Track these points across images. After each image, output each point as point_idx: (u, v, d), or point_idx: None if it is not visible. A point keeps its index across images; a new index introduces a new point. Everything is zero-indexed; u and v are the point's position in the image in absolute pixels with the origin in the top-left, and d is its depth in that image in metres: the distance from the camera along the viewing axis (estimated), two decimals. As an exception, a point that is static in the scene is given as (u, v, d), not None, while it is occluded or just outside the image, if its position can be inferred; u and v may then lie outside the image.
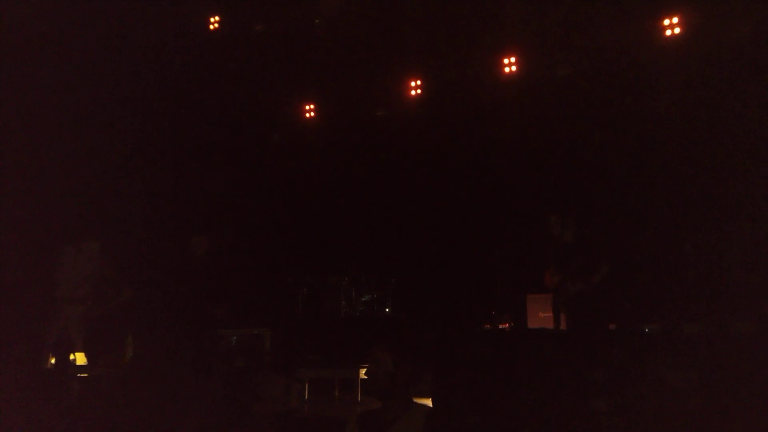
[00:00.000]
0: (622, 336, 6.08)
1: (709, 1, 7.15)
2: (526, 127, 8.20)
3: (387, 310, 8.57)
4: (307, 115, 9.53)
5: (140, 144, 9.19)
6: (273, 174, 9.60)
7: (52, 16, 8.40)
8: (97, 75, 8.64)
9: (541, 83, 8.24)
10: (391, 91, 9.09)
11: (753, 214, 6.58)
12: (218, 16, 9.36)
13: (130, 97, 8.91)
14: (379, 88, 9.10)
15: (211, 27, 9.34)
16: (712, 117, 7.06)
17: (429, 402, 3.71)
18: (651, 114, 7.48)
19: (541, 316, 7.41)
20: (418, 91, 8.90)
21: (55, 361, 6.78)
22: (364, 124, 9.27)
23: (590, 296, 5.74)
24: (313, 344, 6.37)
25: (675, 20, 7.34)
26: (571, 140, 7.95)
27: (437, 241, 8.63)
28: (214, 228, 8.21)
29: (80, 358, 7.60)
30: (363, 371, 4.94)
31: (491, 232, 8.37)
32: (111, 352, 7.40)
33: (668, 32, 7.38)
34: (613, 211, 7.33)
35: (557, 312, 6.52)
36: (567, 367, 3.86)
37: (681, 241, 7.10)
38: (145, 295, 7.90)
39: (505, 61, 8.35)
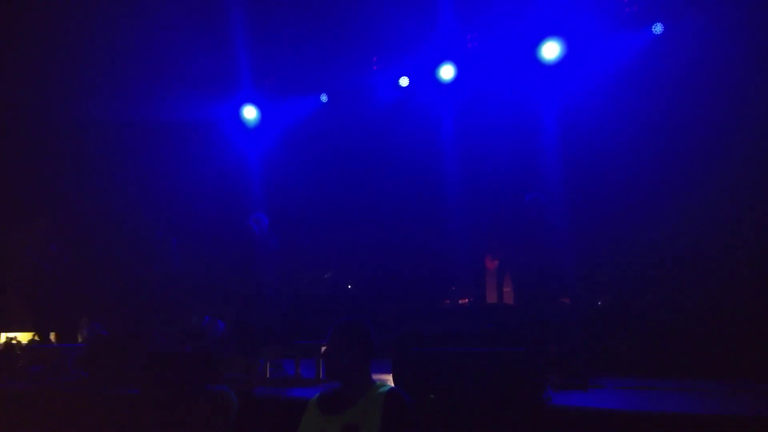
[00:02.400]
0: (575, 309, 6.29)
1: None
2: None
3: (349, 287, 8.64)
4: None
5: None
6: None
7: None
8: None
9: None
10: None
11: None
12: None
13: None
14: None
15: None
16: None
17: (390, 381, 3.80)
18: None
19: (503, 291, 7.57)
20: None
21: None
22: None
23: (534, 272, 5.88)
24: (274, 323, 6.37)
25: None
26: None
27: (397, 221, 8.70)
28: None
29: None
30: (323, 349, 4.98)
31: (447, 213, 8.52)
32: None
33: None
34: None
35: (500, 287, 6.85)
36: (522, 341, 3.96)
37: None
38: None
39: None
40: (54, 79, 8.54)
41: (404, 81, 8.89)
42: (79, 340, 6.74)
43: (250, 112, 9.36)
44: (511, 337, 3.84)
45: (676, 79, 7.14)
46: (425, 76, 8.77)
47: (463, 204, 8.50)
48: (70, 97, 8.61)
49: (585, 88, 7.81)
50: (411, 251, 8.57)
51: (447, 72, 8.51)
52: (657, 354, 5.78)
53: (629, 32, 7.66)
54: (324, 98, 9.27)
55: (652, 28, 7.43)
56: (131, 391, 4.51)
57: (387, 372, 3.93)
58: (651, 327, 6.15)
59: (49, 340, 7.35)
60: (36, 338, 7.47)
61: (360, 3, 8.38)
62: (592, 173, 7.68)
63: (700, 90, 7.00)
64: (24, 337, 8.07)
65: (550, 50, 7.90)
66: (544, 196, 6.36)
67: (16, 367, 5.83)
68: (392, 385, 2.83)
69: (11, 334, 8.20)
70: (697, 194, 6.90)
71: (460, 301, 7.86)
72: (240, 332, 5.70)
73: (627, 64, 7.58)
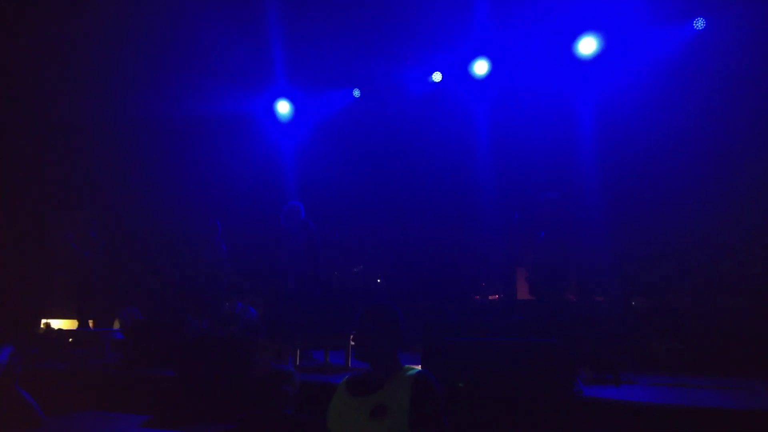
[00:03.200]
0: (608, 307, 6.20)
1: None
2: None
3: (378, 281, 8.67)
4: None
5: None
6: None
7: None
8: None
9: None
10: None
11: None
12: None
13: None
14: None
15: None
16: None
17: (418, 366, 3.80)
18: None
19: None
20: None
21: None
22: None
23: (561, 270, 5.77)
24: (304, 312, 6.45)
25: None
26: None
27: (429, 216, 8.70)
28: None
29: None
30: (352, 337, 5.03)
31: (479, 210, 8.48)
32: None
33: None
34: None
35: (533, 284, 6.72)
36: (553, 333, 3.93)
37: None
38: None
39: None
40: (94, 78, 8.82)
41: (437, 76, 8.88)
42: (116, 325, 6.95)
43: (283, 107, 9.51)
44: (542, 330, 3.81)
45: (718, 76, 6.95)
46: (459, 71, 8.72)
47: (496, 200, 8.44)
48: (110, 93, 8.88)
49: (623, 85, 7.65)
50: (441, 247, 8.54)
51: (481, 67, 8.47)
52: (693, 353, 5.67)
53: (669, 27, 7.49)
54: (357, 93, 9.35)
55: (693, 23, 7.26)
56: (167, 373, 4.64)
57: (416, 363, 3.94)
58: (687, 327, 6.03)
59: (88, 326, 7.59)
60: (78, 324, 7.75)
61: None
62: (630, 172, 7.53)
63: (744, 87, 6.80)
64: (66, 324, 8.38)
65: (587, 46, 7.80)
66: (561, 196, 6.28)
67: (58, 350, 6.05)
68: (421, 368, 2.83)
69: (48, 321, 8.57)
70: (737, 193, 6.72)
71: (490, 297, 7.82)
72: (271, 319, 5.78)
73: (666, 60, 7.41)
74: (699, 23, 7.23)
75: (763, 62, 6.72)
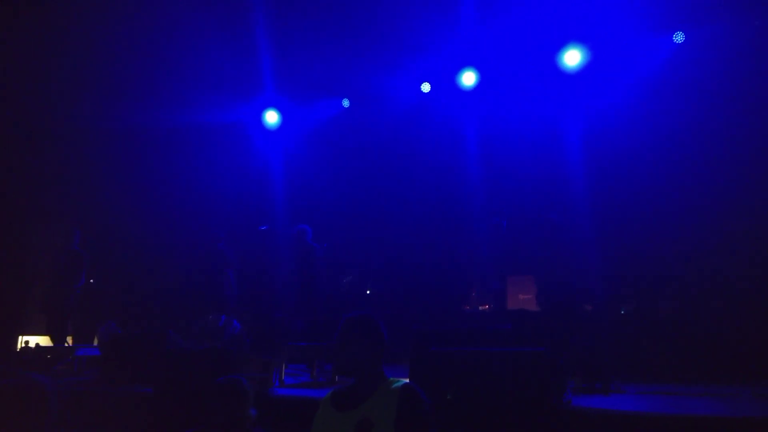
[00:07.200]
0: (597, 316, 6.18)
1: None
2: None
3: (368, 292, 8.59)
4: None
5: None
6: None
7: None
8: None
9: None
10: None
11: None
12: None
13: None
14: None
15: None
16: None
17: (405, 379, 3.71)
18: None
19: (520, 298, 7.46)
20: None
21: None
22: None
23: (565, 280, 5.78)
24: (292, 326, 6.34)
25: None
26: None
27: (418, 227, 8.65)
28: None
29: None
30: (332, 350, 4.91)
31: (468, 220, 8.46)
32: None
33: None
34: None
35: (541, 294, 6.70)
36: (542, 342, 3.86)
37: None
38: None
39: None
40: (79, 87, 8.71)
41: (426, 87, 8.88)
42: (95, 343, 6.79)
43: (271, 116, 9.47)
44: (531, 339, 3.74)
45: (701, 87, 7.03)
46: (447, 81, 8.74)
47: (485, 210, 8.41)
48: (94, 102, 8.76)
49: (607, 96, 7.73)
50: (431, 257, 8.50)
51: (469, 78, 8.48)
52: (681, 361, 5.66)
53: (653, 40, 7.58)
54: (346, 103, 9.33)
55: (672, 36, 7.34)
56: (145, 390, 4.50)
57: (406, 375, 3.86)
58: (675, 335, 6.03)
59: (66, 342, 7.40)
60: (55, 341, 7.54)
61: (382, 9, 8.39)
62: (617, 182, 7.55)
63: (727, 99, 6.88)
64: (44, 340, 8.17)
65: (572, 58, 7.87)
66: (556, 216, 6.32)
67: (34, 367, 5.86)
68: (408, 381, 2.75)
69: (26, 338, 8.36)
70: (722, 203, 6.77)
71: (480, 307, 7.76)
72: (256, 332, 5.66)
73: (650, 72, 7.49)
74: (678, 37, 7.31)
75: (747, 73, 6.80)
